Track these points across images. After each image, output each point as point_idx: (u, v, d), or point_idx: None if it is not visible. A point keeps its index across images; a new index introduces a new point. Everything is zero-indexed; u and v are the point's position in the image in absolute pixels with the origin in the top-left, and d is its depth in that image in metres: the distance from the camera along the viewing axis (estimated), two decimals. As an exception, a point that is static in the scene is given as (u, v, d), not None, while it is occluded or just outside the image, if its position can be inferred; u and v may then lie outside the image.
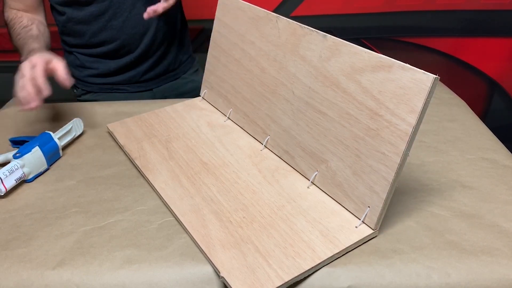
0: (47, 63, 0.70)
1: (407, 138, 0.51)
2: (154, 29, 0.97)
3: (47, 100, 0.93)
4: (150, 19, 0.95)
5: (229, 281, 0.49)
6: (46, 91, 0.68)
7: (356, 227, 0.56)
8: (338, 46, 0.59)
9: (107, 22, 0.94)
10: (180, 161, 0.70)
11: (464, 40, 1.42)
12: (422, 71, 0.49)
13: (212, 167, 0.69)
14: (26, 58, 0.73)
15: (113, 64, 0.84)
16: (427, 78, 0.49)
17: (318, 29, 0.63)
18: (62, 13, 0.94)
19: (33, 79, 0.67)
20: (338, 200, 0.60)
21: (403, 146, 0.51)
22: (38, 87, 0.67)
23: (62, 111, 0.89)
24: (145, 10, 0.93)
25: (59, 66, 0.69)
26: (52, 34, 0.92)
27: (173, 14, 1.01)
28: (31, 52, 0.76)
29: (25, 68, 0.68)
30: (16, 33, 0.87)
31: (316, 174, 0.64)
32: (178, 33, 1.05)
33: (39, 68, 0.68)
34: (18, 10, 0.90)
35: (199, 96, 0.91)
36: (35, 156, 0.69)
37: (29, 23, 0.88)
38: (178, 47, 1.06)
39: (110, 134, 0.81)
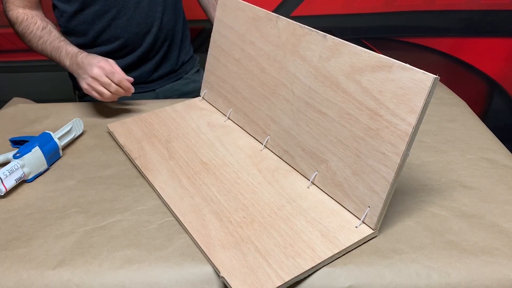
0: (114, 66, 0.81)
1: (407, 138, 0.51)
2: (156, 28, 0.97)
3: (47, 100, 0.92)
4: (153, 18, 0.95)
5: (229, 281, 0.49)
6: (132, 89, 0.83)
7: (356, 227, 0.56)
8: (338, 46, 0.59)
9: (111, 21, 0.93)
10: (180, 161, 0.70)
11: (464, 40, 1.42)
12: (422, 71, 0.49)
13: (212, 167, 0.69)
14: (72, 62, 0.83)
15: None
16: (427, 78, 0.49)
17: (318, 29, 0.63)
18: (65, 13, 0.93)
19: (120, 82, 0.80)
20: (338, 200, 0.60)
21: (403, 146, 0.51)
22: (127, 88, 0.81)
23: (62, 111, 0.89)
24: (149, 8, 0.93)
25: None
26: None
27: (175, 14, 1.01)
28: (75, 55, 0.83)
29: (103, 76, 0.79)
30: (37, 36, 0.87)
31: (316, 174, 0.64)
32: (180, 33, 1.05)
33: (120, 73, 0.80)
34: (24, 7, 0.89)
35: (199, 96, 0.91)
36: (35, 156, 0.69)
37: (44, 23, 0.88)
38: (180, 47, 1.06)
39: (110, 134, 0.81)
